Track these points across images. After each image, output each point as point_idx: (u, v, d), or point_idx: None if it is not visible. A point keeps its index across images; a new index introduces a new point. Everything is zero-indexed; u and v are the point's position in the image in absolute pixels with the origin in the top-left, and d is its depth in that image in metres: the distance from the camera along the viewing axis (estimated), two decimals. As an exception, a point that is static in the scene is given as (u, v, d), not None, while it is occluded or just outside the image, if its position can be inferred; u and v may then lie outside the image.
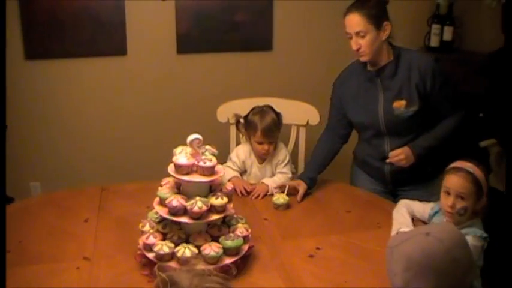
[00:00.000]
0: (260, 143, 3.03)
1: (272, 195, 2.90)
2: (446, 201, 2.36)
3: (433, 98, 2.86)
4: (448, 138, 2.93)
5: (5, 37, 3.23)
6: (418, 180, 3.00)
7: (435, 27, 4.11)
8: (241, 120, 3.16)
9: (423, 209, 2.60)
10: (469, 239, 2.27)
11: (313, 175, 3.02)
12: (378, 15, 2.83)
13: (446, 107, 2.92)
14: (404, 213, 2.58)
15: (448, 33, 4.09)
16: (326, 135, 3.16)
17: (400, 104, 2.86)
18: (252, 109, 3.12)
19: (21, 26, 3.67)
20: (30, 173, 4.02)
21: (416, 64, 2.86)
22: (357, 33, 2.80)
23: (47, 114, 3.93)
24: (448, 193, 2.36)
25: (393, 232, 2.47)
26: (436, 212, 2.55)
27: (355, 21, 2.79)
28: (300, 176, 3.05)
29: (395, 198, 3.03)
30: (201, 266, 2.16)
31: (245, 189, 2.97)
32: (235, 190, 2.84)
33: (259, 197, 2.94)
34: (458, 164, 2.41)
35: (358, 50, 2.82)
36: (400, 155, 2.87)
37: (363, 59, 2.86)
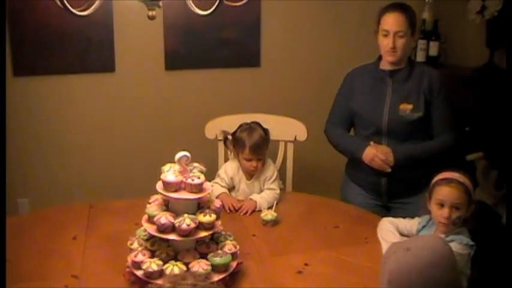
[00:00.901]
0: (248, 160, 3.04)
1: (260, 211, 2.91)
2: (440, 212, 2.37)
3: (432, 111, 2.96)
4: (430, 156, 2.98)
5: (5, 37, 3.21)
6: (413, 192, 3.02)
7: (421, 43, 4.15)
8: (229, 137, 3.17)
9: (410, 225, 2.61)
10: (456, 246, 2.29)
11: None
12: (414, 24, 2.96)
13: (439, 125, 2.99)
14: (391, 229, 2.60)
15: (433, 49, 4.13)
16: (334, 127, 3.21)
17: (406, 107, 2.94)
18: (240, 126, 3.13)
19: (9, 43, 3.67)
20: (18, 189, 4.00)
21: (428, 74, 2.99)
22: (396, 33, 2.89)
23: (35, 130, 3.92)
24: (442, 205, 2.38)
25: (385, 250, 2.48)
26: (423, 226, 2.56)
27: (400, 21, 2.89)
28: (356, 148, 3.04)
29: (388, 211, 3.05)
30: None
31: (233, 206, 2.98)
32: (224, 207, 2.85)
33: (248, 213, 2.95)
34: (447, 175, 2.43)
35: (392, 48, 2.90)
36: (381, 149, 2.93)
37: (391, 58, 2.95)
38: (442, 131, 3.00)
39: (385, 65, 3.03)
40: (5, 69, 3.12)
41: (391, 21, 2.90)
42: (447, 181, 2.40)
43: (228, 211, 2.94)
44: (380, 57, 3.07)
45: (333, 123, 3.22)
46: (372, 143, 2.97)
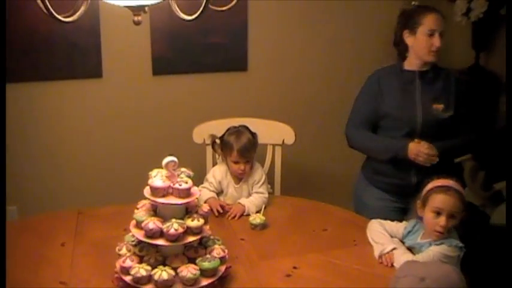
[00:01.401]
0: (236, 163, 3.05)
1: (249, 215, 2.91)
2: (437, 221, 2.37)
3: (460, 110, 3.01)
4: (459, 154, 3.01)
5: (5, 36, 3.18)
6: None
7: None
8: (217, 141, 3.17)
9: (396, 228, 2.62)
10: (445, 248, 2.31)
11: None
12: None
13: (466, 123, 3.05)
14: (381, 230, 2.60)
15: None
16: (358, 129, 3.16)
17: (438, 107, 2.97)
18: (228, 129, 3.14)
19: (-5, 50, 3.66)
20: (7, 197, 3.97)
21: (453, 75, 3.07)
22: (441, 33, 2.93)
23: (21, 137, 3.90)
24: (438, 213, 2.38)
25: (377, 253, 2.48)
26: (409, 232, 2.57)
27: (442, 21, 2.95)
28: (401, 146, 2.98)
29: (405, 215, 3.05)
30: (178, 288, 2.17)
31: (221, 207, 2.98)
32: (212, 210, 2.85)
33: (236, 217, 2.95)
34: (443, 182, 2.44)
35: (438, 47, 2.94)
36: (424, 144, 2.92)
37: (434, 58, 2.98)
38: (469, 130, 3.06)
39: (411, 66, 3.05)
40: (5, 70, 3.09)
41: (436, 22, 2.93)
42: (444, 189, 2.40)
43: (217, 213, 2.94)
44: (403, 59, 3.10)
45: (355, 125, 3.17)
46: (415, 140, 2.95)
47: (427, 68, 3.03)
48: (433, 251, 2.36)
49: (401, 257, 2.39)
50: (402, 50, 3.11)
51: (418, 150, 2.90)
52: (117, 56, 3.90)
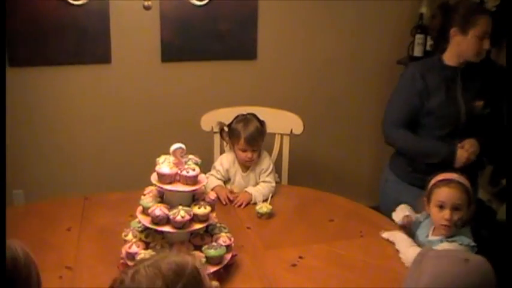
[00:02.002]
0: (243, 151, 3.04)
1: (255, 204, 2.91)
2: (441, 214, 2.36)
3: (497, 106, 3.01)
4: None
5: (5, 36, 3.19)
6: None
7: (418, 37, 4.14)
8: (225, 129, 3.17)
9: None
10: (456, 246, 2.28)
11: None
12: None
13: (501, 120, 3.06)
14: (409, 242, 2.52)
15: (431, 43, 4.11)
16: (399, 129, 3.05)
17: (479, 104, 2.95)
18: (236, 117, 3.13)
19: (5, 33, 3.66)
20: (13, 181, 3.98)
21: (488, 72, 3.04)
22: (489, 35, 2.88)
23: (30, 121, 3.91)
24: (442, 206, 2.36)
25: (405, 249, 2.45)
26: (420, 222, 2.56)
27: (491, 24, 2.88)
28: (448, 152, 2.94)
29: None
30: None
31: (228, 198, 2.97)
32: (219, 199, 2.85)
33: (242, 206, 2.94)
34: (445, 176, 2.42)
35: (485, 50, 2.91)
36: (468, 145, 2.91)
37: (479, 59, 2.94)
38: (503, 127, 3.04)
39: (452, 61, 2.98)
40: (5, 65, 3.09)
41: (489, 24, 2.87)
42: (446, 182, 2.39)
43: (224, 203, 2.94)
44: (440, 50, 3.04)
45: (395, 124, 3.05)
46: (459, 145, 2.92)
47: (465, 64, 2.97)
48: (443, 248, 2.34)
49: (409, 249, 2.38)
50: (442, 42, 3.01)
51: (465, 157, 2.89)
52: (126, 42, 3.89)
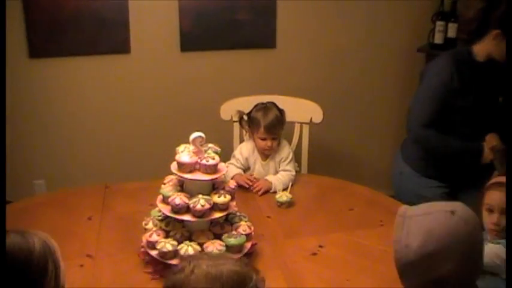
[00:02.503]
0: (263, 139, 3.04)
1: (275, 192, 2.90)
2: (490, 219, 2.28)
3: None
4: None
5: (5, 36, 3.22)
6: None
7: (439, 24, 4.09)
8: (245, 117, 3.17)
9: None
10: (502, 250, 2.18)
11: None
12: None
13: None
14: None
15: (452, 30, 4.06)
16: (430, 129, 2.99)
17: (500, 100, 2.97)
18: (255, 106, 3.13)
19: (25, 25, 3.67)
20: (35, 171, 4.02)
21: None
22: None
23: (51, 112, 3.93)
24: (491, 210, 2.28)
25: None
26: None
27: None
28: (476, 151, 2.94)
29: (454, 198, 2.98)
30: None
31: (249, 180, 2.99)
32: (239, 185, 2.87)
33: (260, 192, 2.95)
34: (497, 179, 2.35)
35: None
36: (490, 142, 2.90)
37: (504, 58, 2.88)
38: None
39: (481, 56, 2.94)
40: (5, 65, 3.11)
41: None
42: (498, 185, 2.29)
43: (247, 186, 2.96)
44: (471, 39, 3.01)
45: (424, 125, 2.99)
46: (484, 144, 2.92)
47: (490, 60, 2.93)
48: (487, 249, 2.26)
49: None
50: (478, 34, 2.96)
51: (490, 154, 2.88)
52: (145, 32, 3.89)
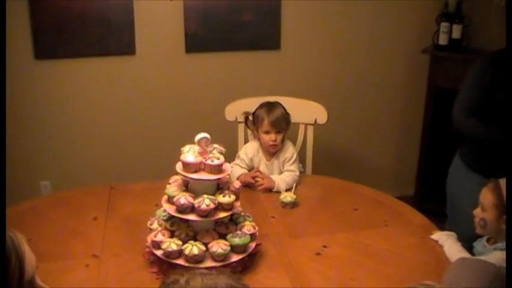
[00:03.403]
0: (267, 133, 3.04)
1: (279, 193, 2.91)
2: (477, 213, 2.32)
3: None
4: None
5: (5, 36, 3.23)
6: None
7: (444, 25, 4.09)
8: (250, 118, 3.18)
9: None
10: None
11: None
12: None
13: None
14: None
15: (456, 32, 4.07)
16: (472, 118, 2.94)
17: None
18: (260, 104, 3.15)
19: (31, 26, 3.69)
20: (40, 172, 4.04)
21: None
22: None
23: (56, 113, 3.95)
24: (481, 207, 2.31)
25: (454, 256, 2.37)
26: None
27: None
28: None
29: None
30: (208, 263, 2.18)
31: (254, 175, 3.02)
32: (248, 180, 2.94)
33: (262, 187, 2.98)
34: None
35: None
36: None
37: None
38: None
39: None
40: (5, 65, 3.12)
41: None
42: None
43: (252, 181, 2.99)
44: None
45: (464, 112, 2.95)
46: None
47: None
48: (495, 257, 2.20)
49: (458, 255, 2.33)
50: None
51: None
52: (150, 33, 3.91)
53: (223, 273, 1.43)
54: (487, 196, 2.29)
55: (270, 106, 3.09)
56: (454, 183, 3.11)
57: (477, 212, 2.32)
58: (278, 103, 3.13)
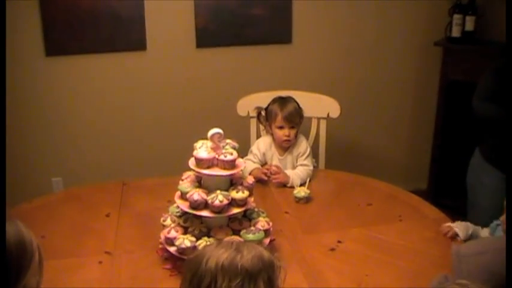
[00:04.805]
0: (281, 128, 3.03)
1: (293, 188, 2.90)
2: None
3: None
4: None
5: (5, 36, 3.23)
6: None
7: (457, 17, 4.06)
8: (262, 113, 3.17)
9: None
10: None
11: None
12: None
13: None
14: None
15: (470, 23, 4.03)
16: (487, 103, 2.91)
17: None
18: (273, 99, 3.13)
19: (41, 23, 3.69)
20: (52, 169, 4.04)
21: None
22: None
23: (68, 109, 3.95)
24: None
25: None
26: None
27: None
28: None
29: None
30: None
31: (267, 170, 3.00)
32: (260, 175, 2.93)
33: (276, 181, 2.96)
34: None
35: None
36: None
37: None
38: None
39: None
40: (5, 65, 3.12)
41: None
42: None
43: (265, 177, 2.97)
44: None
45: (480, 98, 2.93)
46: None
47: None
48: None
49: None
50: None
51: None
52: (161, 28, 3.90)
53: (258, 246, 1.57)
54: None
55: (282, 101, 3.08)
56: (473, 175, 3.08)
57: (503, 219, 2.25)
58: (291, 98, 3.11)
